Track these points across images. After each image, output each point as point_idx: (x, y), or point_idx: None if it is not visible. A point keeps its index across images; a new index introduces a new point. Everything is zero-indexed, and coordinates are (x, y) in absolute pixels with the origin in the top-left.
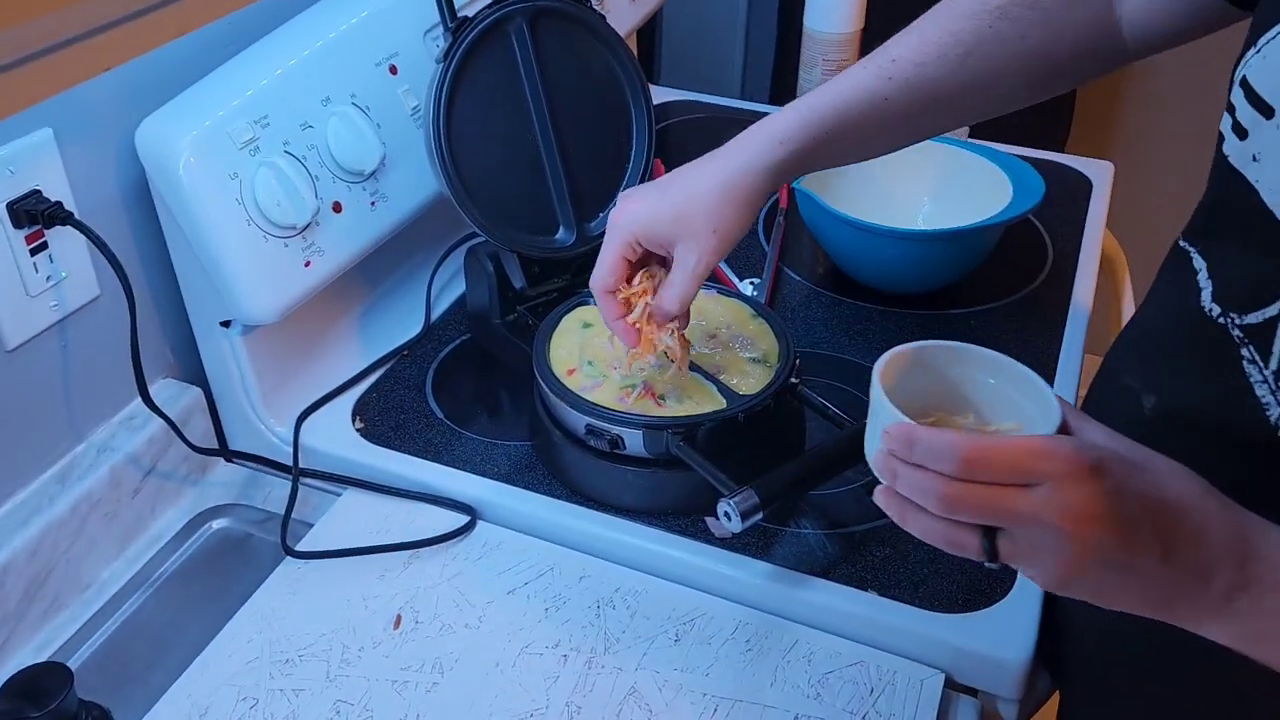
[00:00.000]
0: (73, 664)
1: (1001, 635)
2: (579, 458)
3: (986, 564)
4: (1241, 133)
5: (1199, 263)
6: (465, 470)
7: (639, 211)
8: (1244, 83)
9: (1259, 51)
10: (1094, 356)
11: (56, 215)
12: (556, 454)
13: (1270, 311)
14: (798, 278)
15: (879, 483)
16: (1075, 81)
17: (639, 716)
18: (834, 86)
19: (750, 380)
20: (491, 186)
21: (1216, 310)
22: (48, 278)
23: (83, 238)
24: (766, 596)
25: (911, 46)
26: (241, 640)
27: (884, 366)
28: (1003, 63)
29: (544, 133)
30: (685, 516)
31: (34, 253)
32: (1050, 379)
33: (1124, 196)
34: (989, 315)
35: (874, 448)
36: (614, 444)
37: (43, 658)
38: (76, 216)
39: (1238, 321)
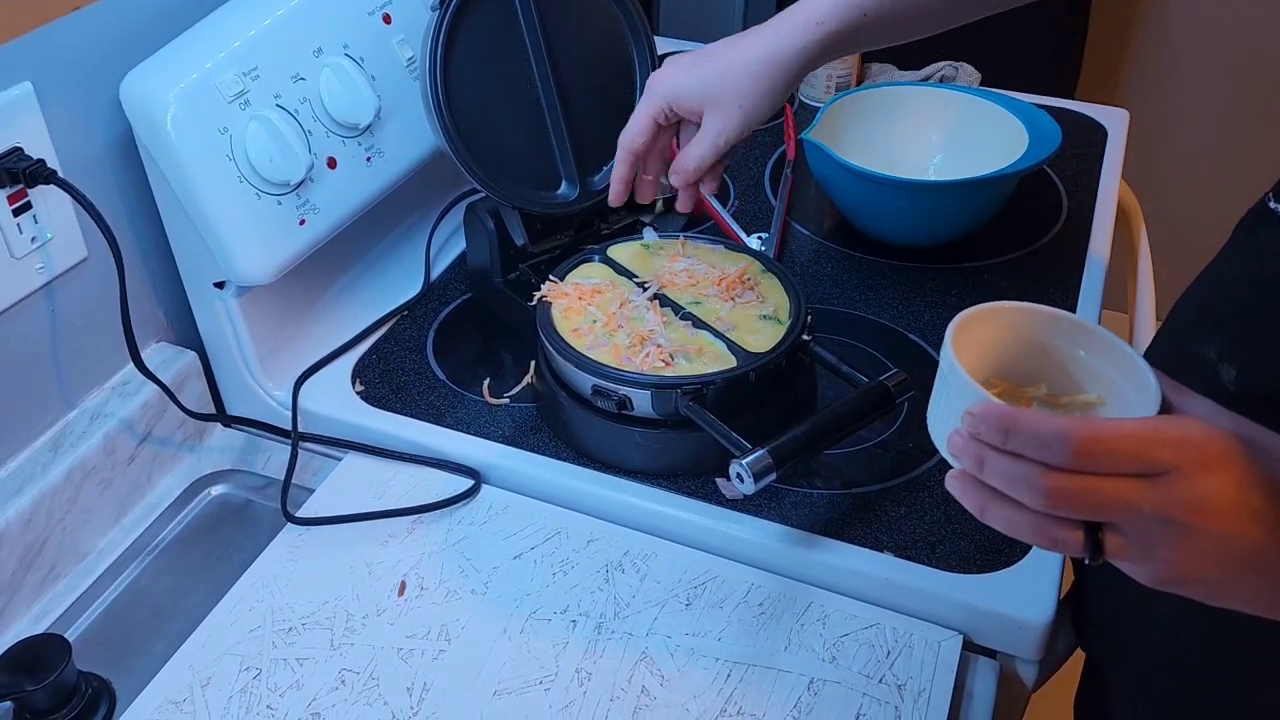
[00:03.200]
0: (71, 634)
1: (1021, 596)
2: (586, 419)
3: (1088, 561)
4: None
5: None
6: (469, 433)
7: (675, 80)
8: None
9: None
10: (1111, 312)
11: (39, 174)
12: (562, 415)
13: None
14: (806, 232)
15: (890, 446)
16: None
17: (650, 682)
18: None
19: (760, 338)
20: (491, 140)
21: None
22: (33, 239)
23: (68, 197)
24: (779, 559)
25: None
26: (243, 609)
27: (958, 331)
28: None
29: (545, 84)
30: (695, 478)
31: (17, 213)
32: None
33: (1135, 144)
34: (1003, 268)
35: (947, 426)
36: (622, 405)
37: (40, 628)
38: (60, 175)
39: None
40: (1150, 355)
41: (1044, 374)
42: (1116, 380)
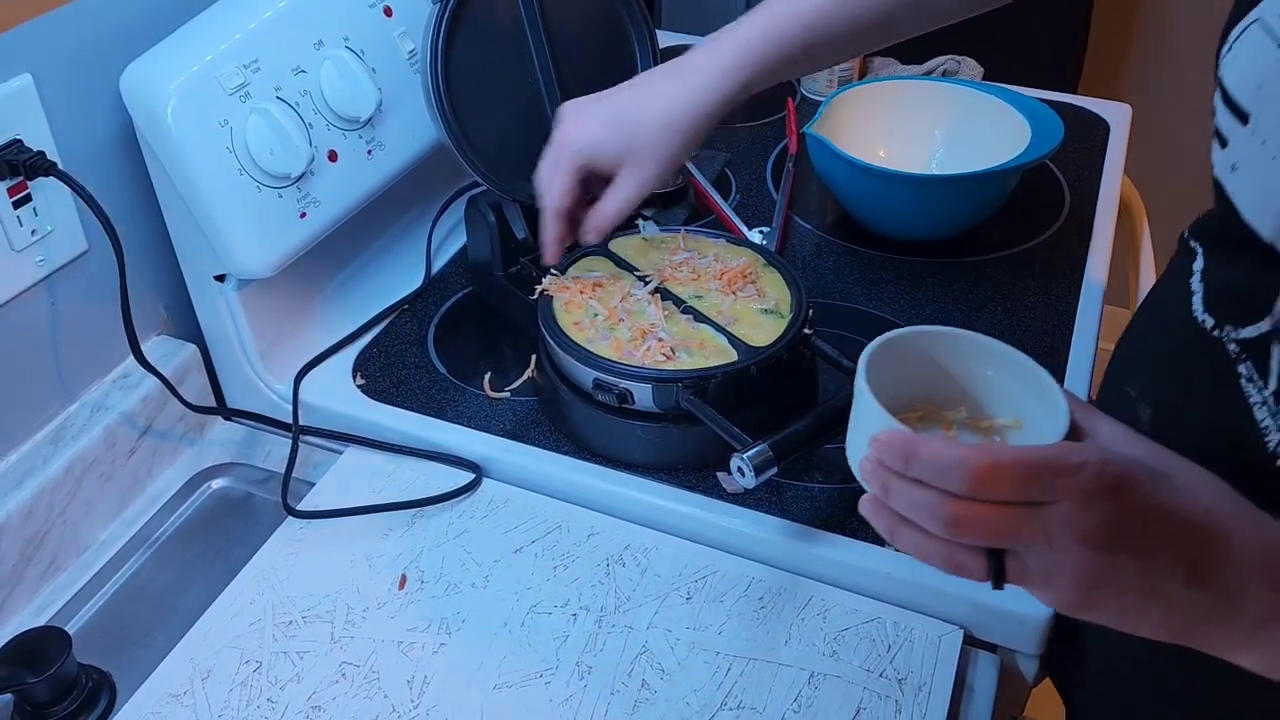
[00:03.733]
0: (71, 627)
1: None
2: (586, 413)
3: (992, 587)
4: (1222, 140)
5: (1199, 263)
6: (469, 426)
7: (590, 137)
8: (1220, 83)
9: (1230, 49)
10: (1113, 308)
11: (39, 166)
12: (563, 409)
13: (1263, 327)
14: (808, 226)
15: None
16: None
17: (651, 676)
18: (775, 17)
19: (762, 332)
20: (492, 133)
21: (1210, 321)
22: (32, 232)
23: (68, 190)
24: (780, 553)
25: None
26: (244, 602)
27: (869, 358)
28: None
29: (546, 77)
30: (696, 472)
31: (17, 205)
32: (1068, 330)
33: (1137, 139)
34: (1004, 263)
35: (859, 452)
36: (622, 398)
37: (41, 621)
38: (60, 167)
39: (1233, 335)
40: (1100, 390)
41: (964, 397)
42: (1028, 402)
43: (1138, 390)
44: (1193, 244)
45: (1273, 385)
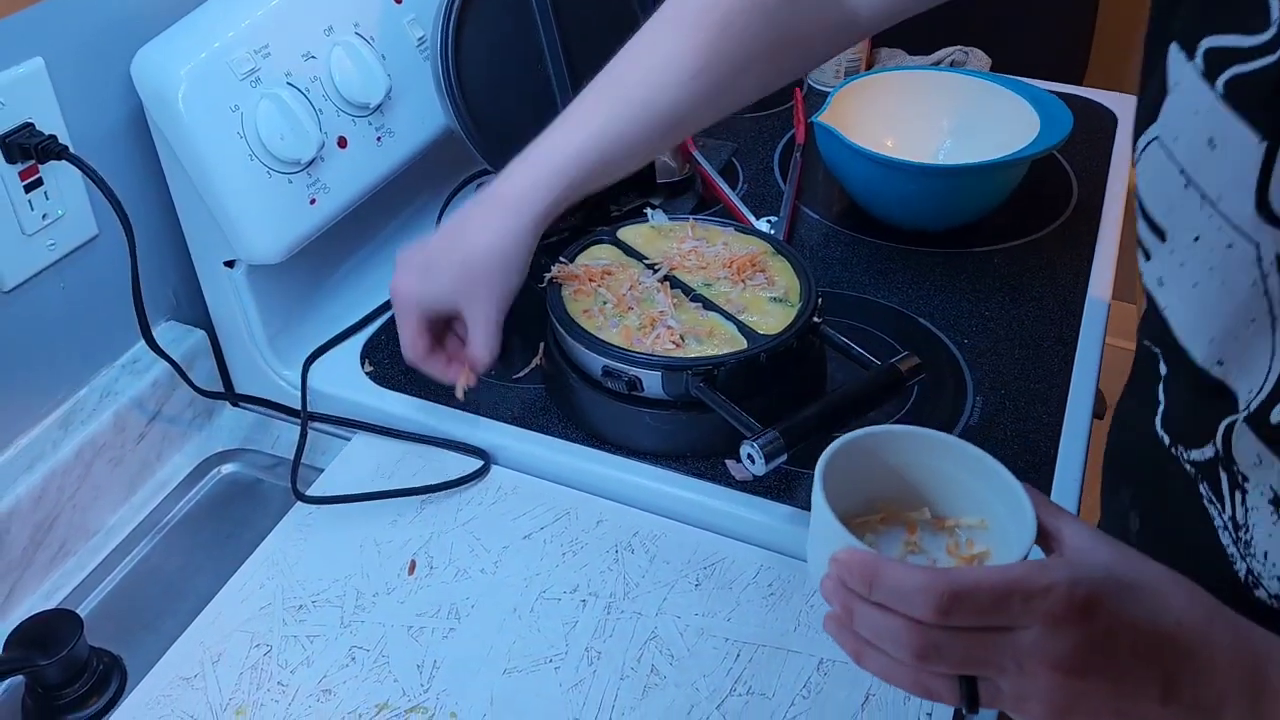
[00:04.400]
0: (82, 611)
1: None
2: (595, 400)
3: (965, 712)
4: (1146, 252)
5: (1162, 369)
6: (478, 414)
7: (420, 291)
8: (1137, 190)
9: (1139, 159)
10: (1119, 303)
11: (51, 150)
12: (572, 397)
13: (1208, 452)
14: (815, 216)
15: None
16: (822, 60)
17: (660, 661)
18: (570, 137)
19: (771, 320)
20: (501, 120)
21: (1166, 439)
22: (44, 215)
23: (79, 174)
24: (789, 540)
25: (636, 82)
26: (254, 586)
27: (826, 465)
28: (736, 72)
29: (555, 64)
30: (705, 459)
31: (29, 189)
32: (1075, 324)
33: None
34: (1012, 253)
35: (820, 569)
36: (632, 386)
37: (51, 605)
38: (72, 151)
39: (1186, 456)
40: (1101, 482)
41: (927, 496)
42: (992, 501)
43: (1129, 498)
44: (1151, 348)
45: (1228, 511)
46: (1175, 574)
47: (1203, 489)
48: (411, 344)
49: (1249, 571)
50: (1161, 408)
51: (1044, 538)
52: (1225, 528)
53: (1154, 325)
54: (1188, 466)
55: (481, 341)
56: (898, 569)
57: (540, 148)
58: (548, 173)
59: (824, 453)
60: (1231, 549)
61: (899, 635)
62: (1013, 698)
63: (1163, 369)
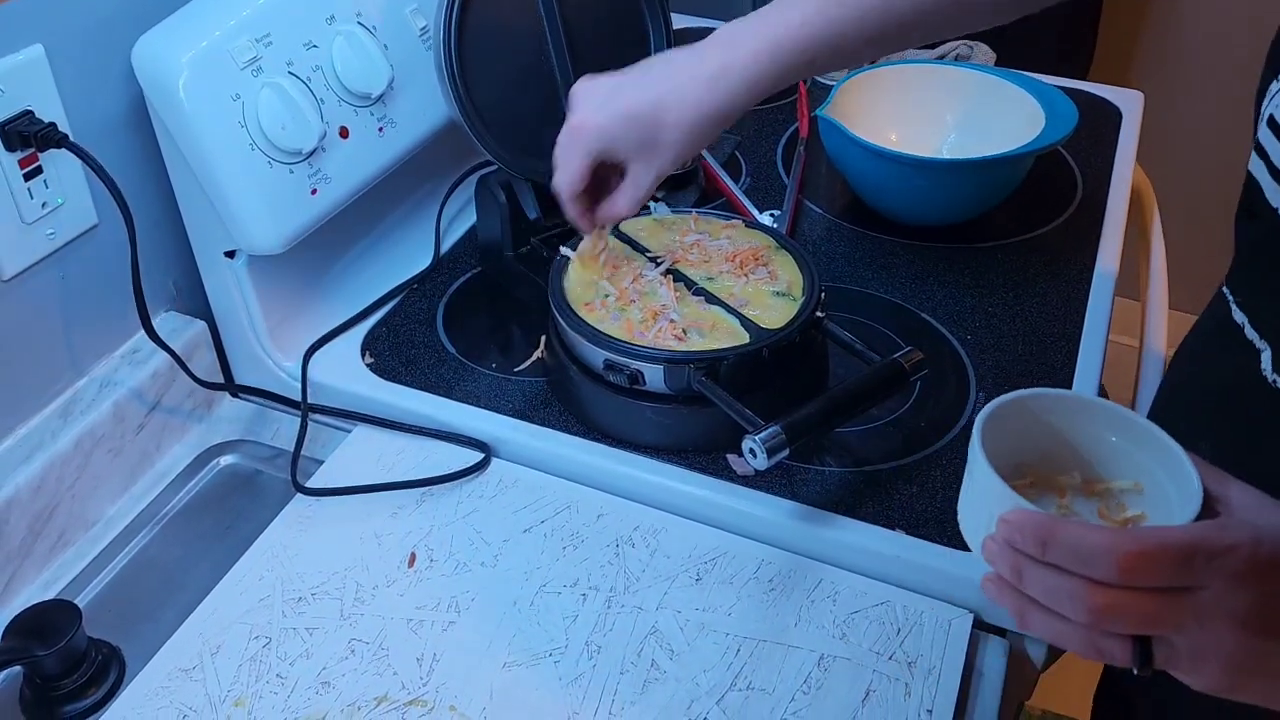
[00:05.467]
0: (80, 601)
1: None
2: (597, 394)
3: (1136, 671)
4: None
5: (1239, 316)
6: (478, 406)
7: (602, 131)
8: (1271, 121)
9: (1268, 105)
10: (1123, 299)
11: (50, 138)
12: (573, 390)
13: None
14: (818, 210)
15: (903, 423)
16: None
17: (660, 656)
18: (799, 11)
19: (774, 314)
20: (504, 112)
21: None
22: (43, 204)
23: (79, 162)
24: (790, 535)
25: None
26: (253, 578)
27: (987, 423)
28: None
29: (559, 54)
30: (706, 454)
31: (28, 178)
32: (1079, 320)
33: (1148, 127)
34: (1016, 249)
35: (980, 530)
36: (633, 379)
37: (49, 595)
38: (71, 139)
39: None
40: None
41: (1076, 460)
42: (1153, 469)
43: (1210, 453)
44: (1229, 296)
45: None
46: None
47: None
48: (570, 180)
49: None
50: (1269, 354)
51: (1207, 501)
52: None
53: (1253, 272)
54: None
55: (630, 198)
56: (1076, 528)
57: (766, 18)
58: (764, 49)
59: (981, 413)
60: None
61: (1077, 596)
62: (1189, 657)
63: (1239, 315)
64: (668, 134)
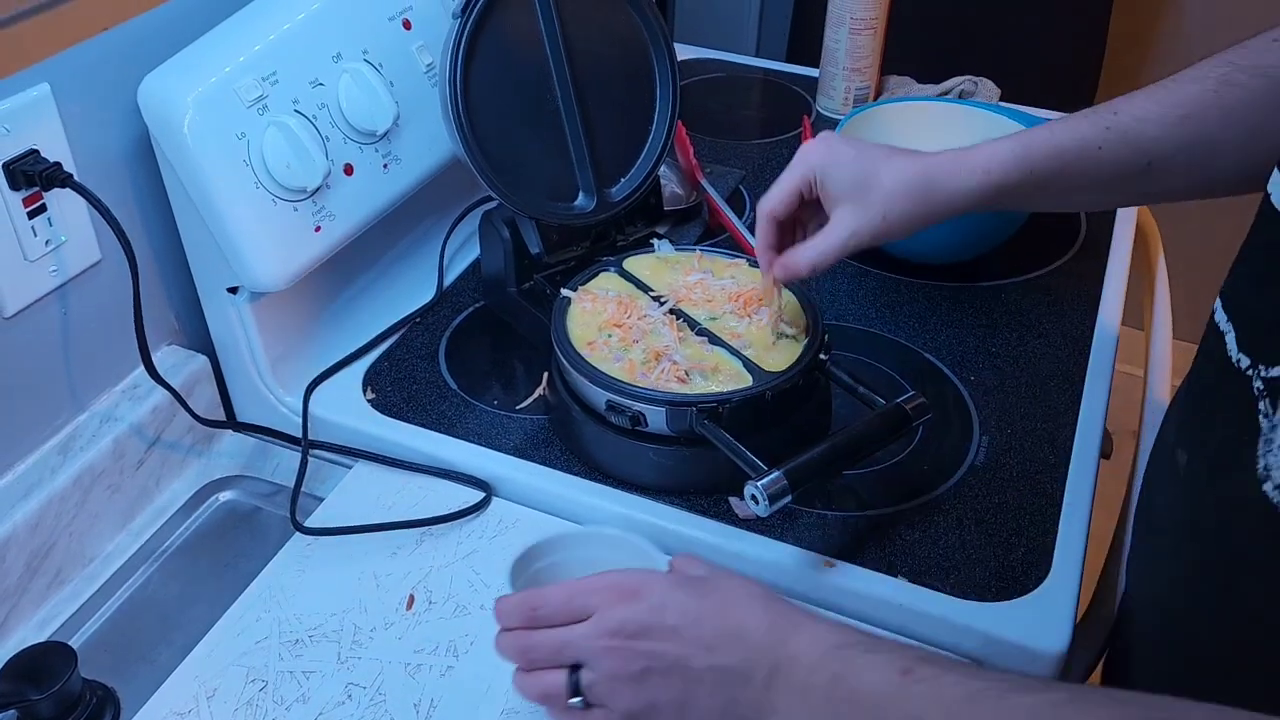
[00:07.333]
0: (76, 641)
1: (1036, 624)
2: (598, 434)
3: (569, 701)
4: None
5: (1219, 312)
6: (480, 444)
7: (830, 156)
8: None
9: None
10: (1129, 329)
11: (55, 177)
12: (575, 429)
13: None
14: None
15: (906, 468)
16: None
17: None
18: (1052, 128)
19: (777, 356)
20: (509, 149)
21: (1246, 361)
22: (46, 242)
23: (83, 200)
24: (792, 580)
25: (1135, 102)
26: (250, 619)
27: (511, 571)
28: (1221, 132)
29: (564, 93)
30: (708, 496)
31: (32, 216)
32: (1083, 362)
33: None
34: (1021, 288)
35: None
36: (635, 421)
37: (45, 634)
38: (76, 178)
39: (1265, 374)
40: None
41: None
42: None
43: (1174, 436)
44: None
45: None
46: (745, 577)
47: (1262, 405)
48: (776, 198)
49: (1265, 467)
50: (1232, 335)
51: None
52: (1267, 434)
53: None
54: (1258, 385)
55: (826, 246)
56: (504, 598)
57: (1019, 135)
58: (1007, 156)
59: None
60: (1263, 456)
61: (510, 644)
62: (605, 679)
63: (1219, 311)
64: (889, 183)
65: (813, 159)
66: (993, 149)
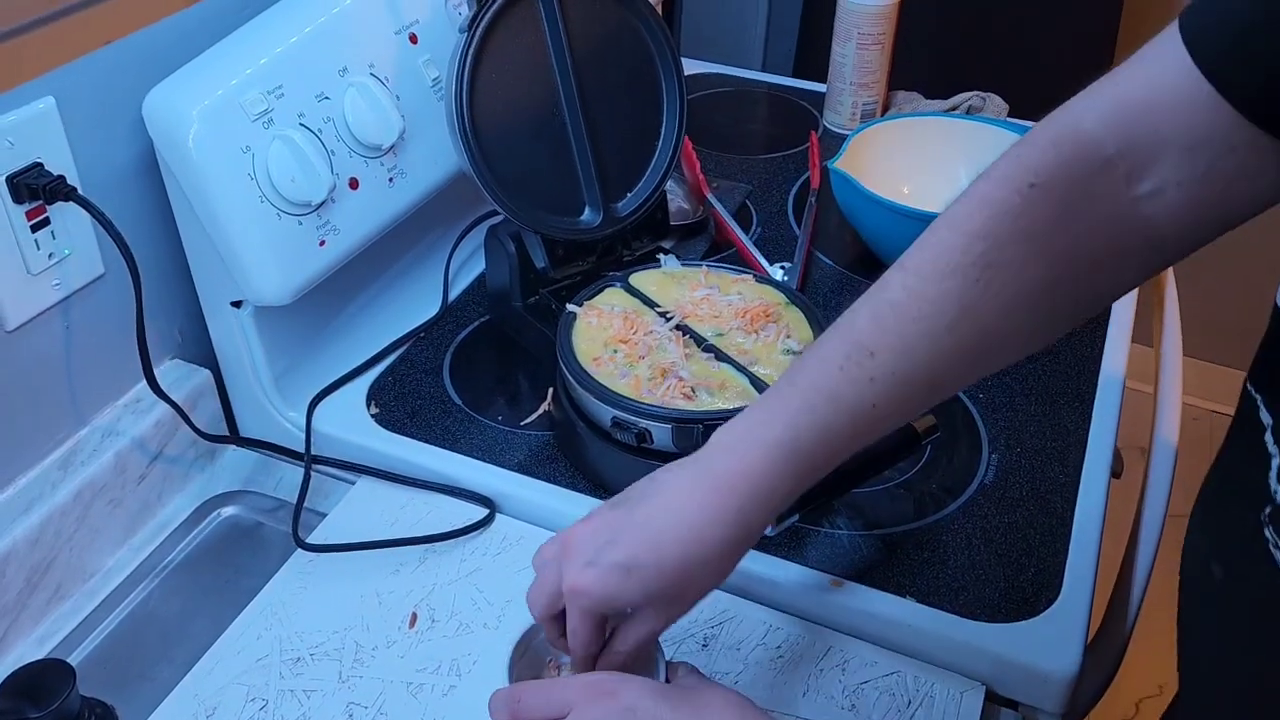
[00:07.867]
0: (76, 657)
1: (1046, 646)
2: (604, 451)
3: None
4: None
5: (1265, 418)
6: (484, 460)
7: (602, 592)
8: None
9: None
10: (1139, 346)
11: (59, 190)
12: (580, 446)
13: None
14: (829, 262)
15: (914, 486)
16: (1112, 296)
17: None
18: (812, 405)
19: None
20: (515, 163)
21: None
22: (50, 255)
23: (87, 213)
24: (799, 600)
25: (885, 326)
26: (251, 636)
27: (512, 652)
28: (1002, 316)
29: (571, 108)
30: None
31: (35, 229)
32: (1095, 371)
33: None
34: None
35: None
36: (641, 438)
37: (45, 650)
38: (80, 192)
39: None
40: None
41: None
42: None
43: (1207, 550)
44: (1254, 393)
45: None
46: (726, 689)
47: None
48: (585, 644)
49: None
50: (1277, 460)
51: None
52: None
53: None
54: None
55: (634, 641)
56: (496, 692)
57: (772, 436)
58: (778, 476)
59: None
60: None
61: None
62: None
63: (1265, 416)
64: (675, 581)
65: (587, 603)
66: (762, 479)
